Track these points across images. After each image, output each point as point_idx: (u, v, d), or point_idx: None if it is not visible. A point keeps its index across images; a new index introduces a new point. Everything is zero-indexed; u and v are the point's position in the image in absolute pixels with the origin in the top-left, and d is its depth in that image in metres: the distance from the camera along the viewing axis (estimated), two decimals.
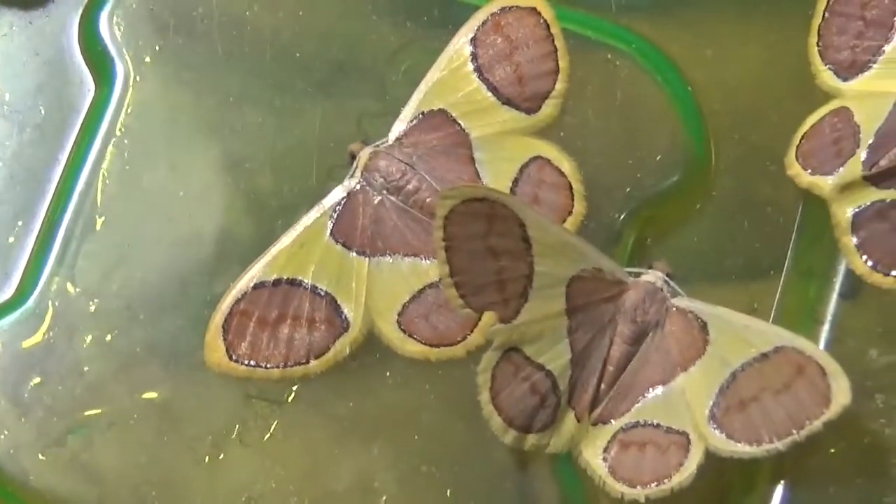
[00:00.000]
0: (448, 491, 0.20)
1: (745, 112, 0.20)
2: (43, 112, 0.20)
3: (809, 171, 0.19)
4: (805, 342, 0.19)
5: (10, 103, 0.20)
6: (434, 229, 0.17)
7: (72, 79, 0.20)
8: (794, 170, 0.20)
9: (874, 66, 0.20)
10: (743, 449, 0.18)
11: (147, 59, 0.20)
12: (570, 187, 0.19)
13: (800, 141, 0.20)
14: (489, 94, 0.19)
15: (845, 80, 0.20)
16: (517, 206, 0.18)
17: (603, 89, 0.20)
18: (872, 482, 0.20)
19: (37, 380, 0.20)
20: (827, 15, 0.20)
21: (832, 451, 0.19)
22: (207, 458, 0.20)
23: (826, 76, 0.20)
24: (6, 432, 0.20)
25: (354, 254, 0.19)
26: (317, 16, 0.20)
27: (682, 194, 0.20)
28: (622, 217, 0.19)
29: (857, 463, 0.21)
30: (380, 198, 0.19)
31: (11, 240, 0.20)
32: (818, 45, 0.20)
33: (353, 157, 0.19)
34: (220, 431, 0.20)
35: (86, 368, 0.20)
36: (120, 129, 0.20)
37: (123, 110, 0.20)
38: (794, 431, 0.17)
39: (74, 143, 0.20)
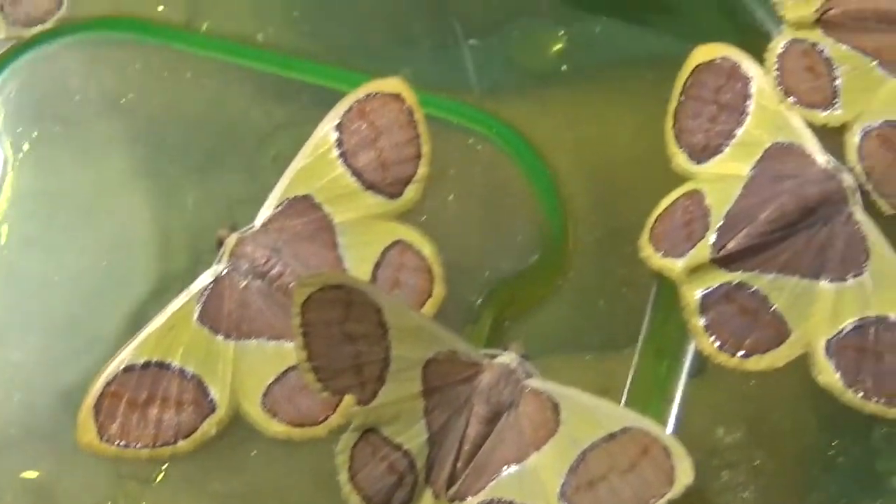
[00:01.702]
0: None
1: (605, 194, 0.21)
2: None
3: (661, 253, 0.20)
4: (650, 423, 0.19)
5: None
6: (292, 316, 0.17)
7: None
8: (647, 252, 0.20)
9: (726, 149, 0.20)
10: None
11: (25, 147, 0.20)
12: (430, 271, 0.19)
13: (653, 223, 0.20)
14: (353, 179, 0.19)
15: (698, 162, 0.20)
16: (373, 292, 0.18)
17: (464, 173, 0.20)
18: None
19: None
20: (683, 99, 0.21)
21: None
22: None
23: (680, 159, 0.21)
24: None
25: (221, 337, 0.19)
26: (190, 103, 0.21)
27: (540, 276, 0.20)
28: (480, 300, 0.19)
29: None
30: (246, 282, 0.19)
31: None
32: (674, 129, 0.21)
33: (221, 242, 0.19)
34: None
35: None
36: None
37: (1, 195, 0.20)
38: None
39: None
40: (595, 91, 0.21)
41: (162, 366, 0.19)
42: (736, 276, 0.20)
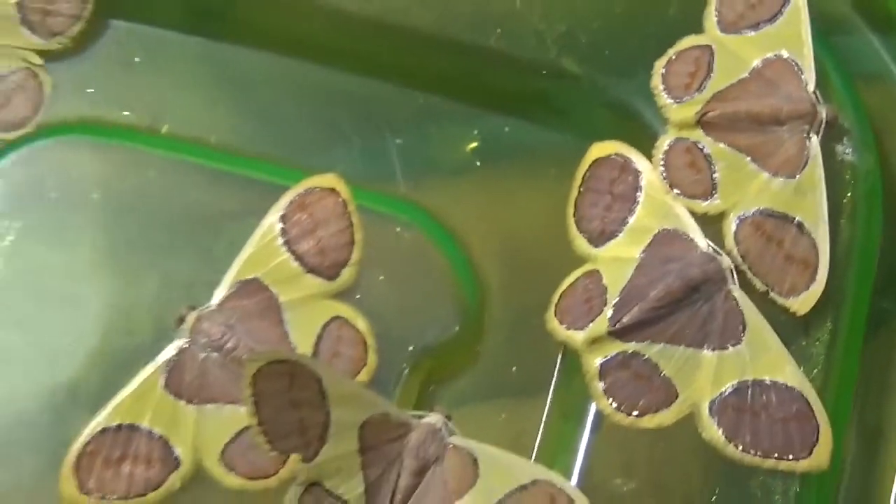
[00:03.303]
0: None
1: (515, 273, 0.22)
2: None
3: (565, 325, 0.21)
4: (556, 476, 0.20)
5: None
6: (243, 387, 0.18)
7: None
8: (553, 325, 0.21)
9: (620, 234, 0.22)
10: None
11: (10, 237, 0.20)
12: (365, 343, 0.21)
13: (558, 299, 0.22)
14: (296, 264, 0.21)
15: (596, 246, 0.22)
16: (313, 364, 0.20)
17: (392, 257, 0.21)
18: None
19: None
20: (582, 190, 0.22)
21: None
22: None
23: (581, 243, 0.22)
24: None
25: (183, 402, 0.20)
26: (152, 197, 0.21)
27: (459, 345, 0.21)
28: (408, 367, 0.21)
29: None
30: (204, 354, 0.20)
31: None
32: (574, 216, 0.22)
33: (182, 320, 0.20)
34: None
35: None
36: None
37: None
38: None
39: None
40: (506, 183, 0.22)
41: (132, 428, 0.20)
42: (630, 346, 0.21)
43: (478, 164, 0.21)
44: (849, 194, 0.20)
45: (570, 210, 0.22)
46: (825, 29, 0.21)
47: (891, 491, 0.19)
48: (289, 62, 0.21)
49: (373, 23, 0.21)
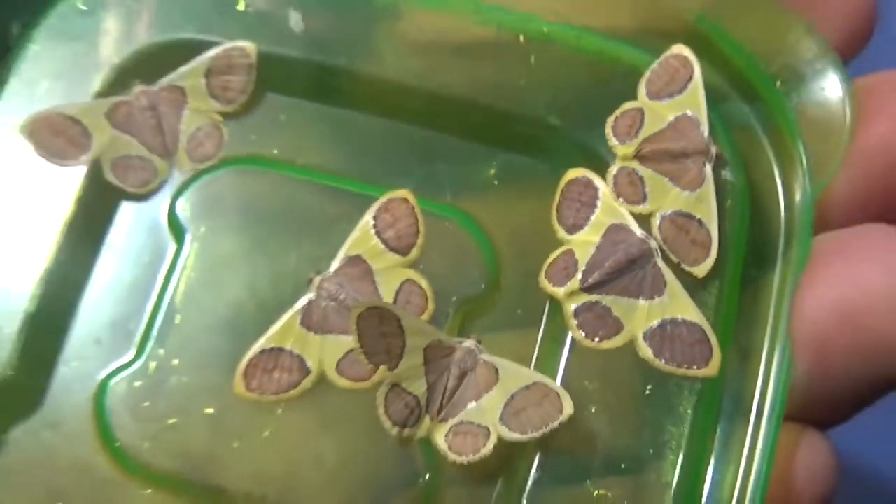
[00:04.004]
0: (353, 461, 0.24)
1: (522, 250, 0.26)
2: (146, 257, 0.25)
3: (551, 284, 0.25)
4: (548, 379, 0.24)
5: (121, 248, 0.26)
6: (351, 324, 0.23)
7: (162, 239, 0.26)
8: (543, 284, 0.25)
9: (585, 227, 0.26)
10: (517, 436, 0.24)
11: (201, 231, 0.25)
12: (426, 295, 0.25)
13: (546, 268, 0.25)
14: (382, 245, 0.26)
15: (570, 234, 0.26)
16: (395, 309, 0.24)
17: (442, 241, 0.25)
18: (588, 462, 0.24)
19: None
20: (560, 199, 0.26)
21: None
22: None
23: (560, 233, 0.26)
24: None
25: (312, 333, 0.25)
26: (289, 207, 0.26)
27: (484, 297, 0.25)
28: (452, 311, 0.25)
29: (590, 436, 0.25)
30: (325, 303, 0.25)
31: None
32: (556, 216, 0.26)
33: (311, 281, 0.25)
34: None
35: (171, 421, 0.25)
36: (186, 267, 0.25)
37: (189, 256, 0.25)
38: (544, 427, 0.23)
39: (165, 273, 0.25)
40: (514, 194, 0.26)
41: (280, 350, 0.25)
42: (593, 298, 0.25)
43: (496, 183, 0.25)
44: (728, 201, 0.24)
45: (554, 212, 0.26)
46: (712, 96, 0.25)
47: (754, 390, 0.23)
48: (380, 119, 0.25)
49: (430, 93, 0.25)
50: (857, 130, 0.24)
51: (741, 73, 0.26)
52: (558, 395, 0.24)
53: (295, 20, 0.26)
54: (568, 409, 0.24)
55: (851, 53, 0.25)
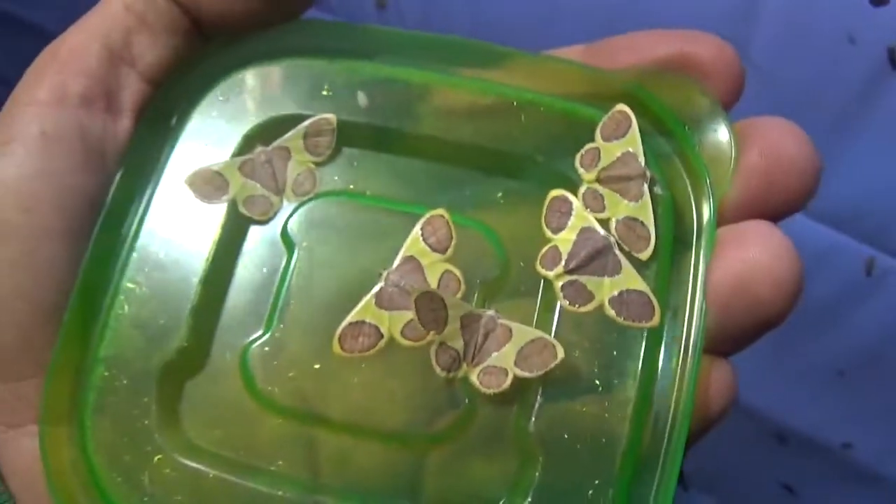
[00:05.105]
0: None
1: (525, 247, 0.30)
2: (268, 262, 0.30)
3: (544, 269, 0.29)
4: (546, 335, 0.28)
5: (251, 257, 0.31)
6: (410, 303, 0.28)
7: (278, 250, 0.30)
8: (539, 269, 0.29)
9: (566, 229, 0.31)
10: (526, 374, 0.28)
11: (304, 243, 0.29)
12: (459, 280, 0.30)
13: (540, 257, 0.29)
14: (428, 248, 0.30)
15: (555, 234, 0.31)
16: (439, 292, 0.28)
17: (467, 243, 0.30)
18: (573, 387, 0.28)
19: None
20: (546, 211, 0.30)
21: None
22: None
23: (547, 233, 0.30)
24: None
25: (384, 310, 0.29)
26: (363, 221, 0.30)
27: (498, 281, 0.29)
28: (476, 292, 0.29)
29: (575, 371, 0.29)
30: (391, 290, 0.29)
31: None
32: (545, 221, 0.30)
33: (381, 275, 0.29)
34: None
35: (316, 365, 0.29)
36: (296, 269, 0.30)
37: (297, 261, 0.30)
38: (544, 367, 0.28)
39: (280, 273, 0.30)
40: (515, 208, 0.30)
41: (362, 322, 0.29)
42: (573, 277, 0.29)
43: (502, 202, 0.30)
44: (660, 208, 0.28)
45: (543, 220, 0.30)
46: (645, 137, 0.30)
47: (682, 334, 0.28)
48: (421, 162, 0.30)
49: (455, 142, 0.30)
50: (739, 157, 0.30)
51: (663, 121, 0.31)
52: (553, 346, 0.28)
53: (361, 98, 0.31)
54: (560, 354, 0.28)
55: (731, 103, 0.30)
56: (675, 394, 0.30)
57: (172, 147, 0.32)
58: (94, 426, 0.31)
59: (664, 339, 0.31)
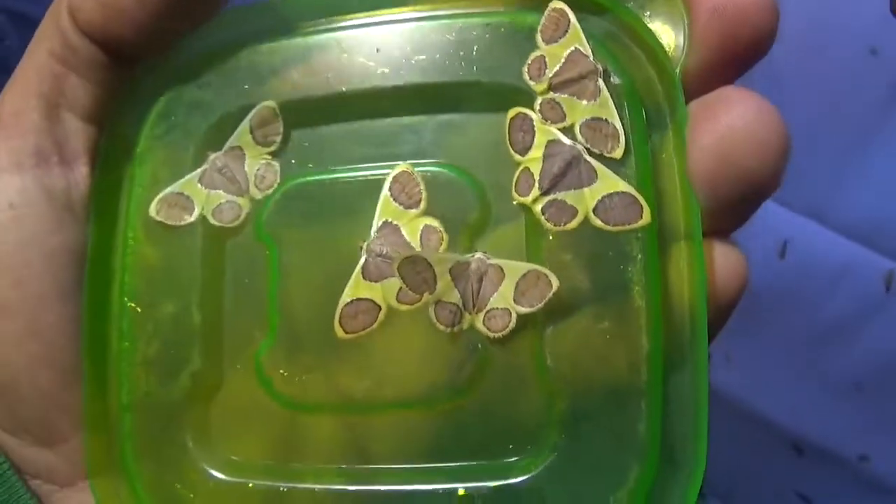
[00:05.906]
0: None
1: (497, 177, 0.31)
2: (254, 263, 0.31)
3: (521, 196, 0.29)
4: (539, 266, 0.28)
5: (237, 263, 0.31)
6: (395, 270, 0.28)
7: (260, 248, 0.31)
8: (515, 197, 0.28)
9: (532, 148, 0.30)
10: (528, 310, 0.28)
11: (283, 238, 0.30)
12: (441, 232, 0.30)
13: (514, 185, 0.29)
14: (401, 208, 0.30)
15: (522, 156, 0.31)
16: (420, 253, 0.28)
17: (440, 189, 0.31)
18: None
19: None
20: (509, 131, 0.31)
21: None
22: None
23: (517, 157, 0.30)
24: None
25: (374, 282, 0.29)
26: (335, 195, 0.30)
27: (480, 219, 0.30)
28: (461, 236, 0.30)
29: (576, 291, 0.30)
30: (375, 260, 0.29)
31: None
32: (510, 144, 0.31)
33: (361, 248, 0.29)
34: None
35: None
36: (281, 262, 0.29)
37: (280, 254, 0.30)
38: (543, 299, 0.28)
39: (268, 271, 0.30)
40: (479, 139, 0.32)
41: (357, 300, 0.29)
42: (551, 196, 0.28)
43: (462, 136, 0.32)
44: (622, 100, 0.28)
45: (507, 143, 0.31)
46: (585, 26, 0.29)
47: (678, 219, 0.27)
48: (372, 122, 0.32)
49: (396, 88, 0.31)
50: (690, 24, 0.29)
51: (602, 5, 0.29)
52: (547, 276, 0.28)
53: (296, 74, 0.32)
54: (555, 283, 0.28)
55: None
56: (684, 288, 0.29)
57: (132, 181, 0.33)
58: (138, 471, 0.33)
59: (659, 233, 0.30)
